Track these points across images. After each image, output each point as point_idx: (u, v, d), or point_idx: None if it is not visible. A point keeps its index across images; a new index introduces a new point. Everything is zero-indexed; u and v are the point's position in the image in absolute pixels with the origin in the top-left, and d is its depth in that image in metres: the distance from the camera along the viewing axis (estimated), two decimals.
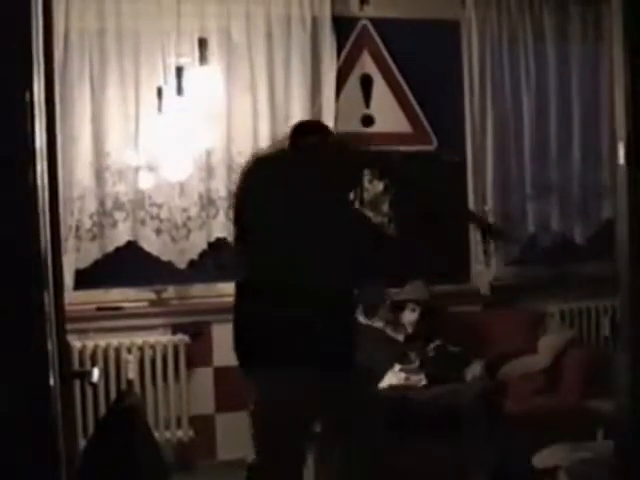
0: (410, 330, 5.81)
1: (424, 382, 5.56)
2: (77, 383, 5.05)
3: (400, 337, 5.82)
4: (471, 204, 6.58)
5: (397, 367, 5.60)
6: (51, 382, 1.86)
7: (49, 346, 1.88)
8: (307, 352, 3.67)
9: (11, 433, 1.89)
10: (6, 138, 1.79)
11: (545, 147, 6.74)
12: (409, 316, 5.83)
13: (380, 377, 5.46)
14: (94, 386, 5.36)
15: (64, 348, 2.07)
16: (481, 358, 5.85)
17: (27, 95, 1.79)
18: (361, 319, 5.83)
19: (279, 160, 3.93)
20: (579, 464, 4.10)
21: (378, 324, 5.88)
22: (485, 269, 6.59)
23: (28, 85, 1.82)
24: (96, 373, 2.85)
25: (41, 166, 1.86)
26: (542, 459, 4.43)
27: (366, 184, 6.32)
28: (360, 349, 5.57)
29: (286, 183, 3.72)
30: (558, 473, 4.15)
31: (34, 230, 1.85)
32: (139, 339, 5.85)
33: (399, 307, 5.90)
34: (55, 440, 1.92)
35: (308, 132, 3.99)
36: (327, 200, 3.71)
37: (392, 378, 5.56)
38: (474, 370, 5.75)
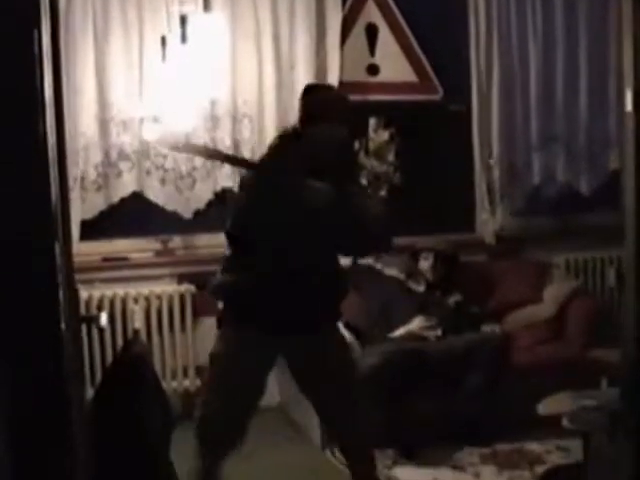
0: (428, 278, 5.85)
1: (439, 334, 5.61)
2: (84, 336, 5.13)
3: (421, 288, 5.86)
4: (476, 154, 6.57)
5: (416, 320, 5.63)
6: (62, 326, 1.89)
7: (60, 292, 1.89)
8: (272, 312, 3.71)
9: (25, 377, 1.92)
10: (16, 89, 1.79)
11: (551, 97, 6.71)
12: (424, 264, 5.87)
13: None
14: (102, 330, 5.40)
15: (73, 294, 2.10)
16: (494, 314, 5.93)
17: (36, 46, 1.79)
18: (382, 268, 5.91)
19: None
20: (582, 411, 4.13)
21: (400, 276, 5.91)
22: (490, 219, 6.59)
23: (37, 35, 1.81)
24: (104, 317, 2.88)
25: (50, 117, 1.86)
26: (546, 406, 4.47)
27: (371, 133, 6.30)
28: (380, 301, 5.66)
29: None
30: (561, 420, 4.18)
31: (45, 181, 1.86)
32: (145, 289, 5.88)
33: (416, 257, 5.93)
34: (66, 383, 1.95)
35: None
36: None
37: (407, 329, 5.60)
38: (492, 329, 5.81)
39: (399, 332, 5.60)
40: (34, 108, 1.80)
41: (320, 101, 3.92)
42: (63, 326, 1.91)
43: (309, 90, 4.01)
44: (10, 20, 1.80)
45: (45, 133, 1.83)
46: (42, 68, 1.81)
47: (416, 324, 5.62)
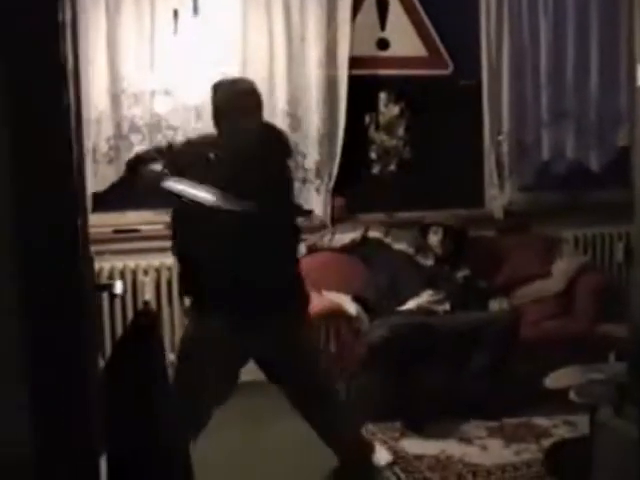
0: (437, 252, 5.87)
1: (448, 308, 5.64)
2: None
3: (429, 262, 5.88)
4: (486, 129, 6.57)
5: (424, 295, 5.66)
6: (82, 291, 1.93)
7: (79, 261, 1.93)
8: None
9: (46, 343, 1.95)
10: (41, 59, 1.81)
11: (562, 73, 6.69)
12: (433, 238, 5.89)
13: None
14: (116, 297, 5.43)
15: (88, 262, 2.13)
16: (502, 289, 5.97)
17: (60, 15, 1.81)
18: (391, 243, 5.94)
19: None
20: (589, 384, 4.16)
21: (409, 250, 5.94)
22: (499, 194, 6.60)
23: (61, 3, 1.83)
24: (119, 285, 2.90)
25: (72, 87, 1.89)
26: (554, 380, 4.50)
27: (381, 108, 6.32)
28: (388, 274, 5.69)
29: None
30: (568, 394, 4.21)
31: (68, 151, 1.89)
32: (156, 261, 5.91)
33: (425, 231, 5.95)
34: (84, 350, 1.99)
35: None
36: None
37: (416, 302, 5.63)
38: (501, 303, 5.84)
39: (407, 305, 5.63)
40: (59, 78, 1.82)
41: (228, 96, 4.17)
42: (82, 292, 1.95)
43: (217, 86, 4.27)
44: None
45: (69, 104, 1.85)
46: (65, 38, 1.84)
47: (424, 298, 5.65)
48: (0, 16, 1.77)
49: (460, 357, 5.38)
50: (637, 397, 2.53)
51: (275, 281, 3.89)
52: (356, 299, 5.55)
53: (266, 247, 3.83)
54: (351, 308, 5.47)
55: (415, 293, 5.67)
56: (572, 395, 4.17)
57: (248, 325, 3.81)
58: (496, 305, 5.84)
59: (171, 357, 5.84)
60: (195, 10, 5.73)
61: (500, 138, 6.57)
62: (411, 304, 5.63)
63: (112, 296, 5.32)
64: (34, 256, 1.90)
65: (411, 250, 5.95)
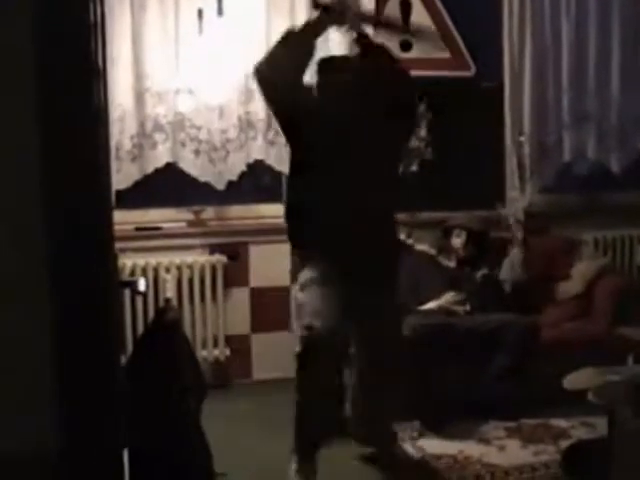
0: (460, 254, 5.89)
1: (468, 309, 5.66)
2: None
3: (451, 263, 5.91)
4: (507, 131, 6.59)
5: (446, 295, 5.68)
6: (105, 289, 1.96)
7: (108, 257, 1.97)
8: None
9: (70, 338, 1.99)
10: (74, 58, 1.85)
11: (583, 75, 6.70)
12: (456, 240, 5.91)
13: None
14: (140, 294, 5.48)
15: (113, 258, 2.17)
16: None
17: (91, 15, 1.85)
18: (413, 243, 5.95)
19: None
20: (608, 386, 4.16)
21: (431, 251, 5.96)
22: (520, 196, 6.60)
23: (93, 4, 1.87)
24: (142, 282, 2.93)
25: (102, 86, 1.92)
26: (572, 381, 4.50)
27: None
28: (410, 275, 5.73)
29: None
30: (587, 395, 4.22)
31: (96, 149, 1.93)
32: (177, 259, 5.96)
33: (448, 233, 5.97)
34: (109, 343, 2.02)
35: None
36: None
37: (438, 303, 5.66)
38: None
39: (429, 305, 5.65)
40: (90, 78, 1.86)
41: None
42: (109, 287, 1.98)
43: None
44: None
45: (99, 104, 1.89)
46: (97, 38, 1.87)
47: (446, 299, 5.68)
48: (34, 17, 1.81)
49: (480, 358, 5.39)
50: None
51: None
52: None
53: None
54: None
55: (437, 294, 5.69)
56: (590, 396, 4.18)
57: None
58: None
59: (203, 353, 5.98)
60: (219, 10, 5.78)
61: (521, 139, 6.58)
62: (432, 304, 5.66)
63: (135, 293, 5.38)
64: (63, 253, 1.94)
65: (433, 251, 5.97)
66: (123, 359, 3.51)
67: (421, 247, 5.98)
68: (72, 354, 1.99)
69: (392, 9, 6.40)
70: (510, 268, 5.93)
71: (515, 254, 5.97)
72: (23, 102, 1.85)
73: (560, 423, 5.23)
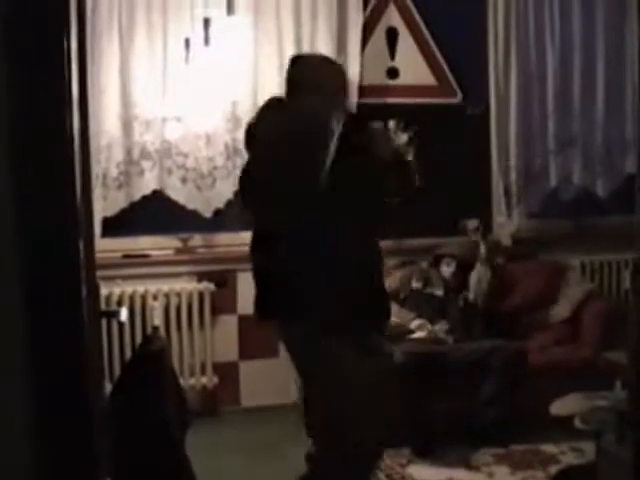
0: (449, 283, 5.90)
1: (456, 336, 5.66)
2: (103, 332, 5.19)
3: (440, 292, 5.91)
4: (494, 156, 6.62)
5: (436, 323, 5.69)
6: (84, 319, 1.95)
7: (83, 287, 1.95)
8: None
9: (45, 370, 1.98)
10: (45, 86, 1.85)
11: (569, 100, 6.74)
12: (445, 269, 5.92)
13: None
14: (122, 324, 5.47)
15: (94, 289, 2.16)
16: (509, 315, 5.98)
17: (65, 43, 1.85)
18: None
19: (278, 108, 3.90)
20: (594, 411, 4.16)
21: (416, 285, 5.96)
22: (507, 221, 6.63)
23: (66, 33, 1.88)
24: (124, 312, 2.93)
25: (77, 115, 1.92)
26: (559, 407, 4.51)
27: (390, 135, 6.34)
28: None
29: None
30: (574, 420, 4.22)
31: (70, 179, 1.92)
32: (165, 286, 5.95)
33: (437, 261, 5.99)
34: (86, 376, 2.01)
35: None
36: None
37: (425, 331, 5.66)
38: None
39: (418, 334, 5.65)
40: (62, 106, 1.85)
41: (304, 70, 3.94)
42: (84, 320, 1.97)
43: (295, 60, 4.01)
44: (40, 21, 1.86)
45: (72, 131, 1.89)
46: (70, 68, 1.87)
47: (436, 327, 5.68)
48: (5, 45, 1.81)
49: (469, 385, 5.39)
50: (635, 424, 2.55)
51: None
52: None
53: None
54: None
55: (427, 321, 5.71)
56: (577, 422, 4.18)
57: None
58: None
59: (191, 381, 5.96)
60: (206, 40, 5.81)
61: (509, 163, 6.61)
62: (421, 332, 5.66)
63: (118, 323, 5.38)
64: (37, 282, 1.93)
65: (418, 284, 5.96)
66: (108, 387, 3.51)
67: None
68: (48, 387, 1.98)
69: (379, 37, 6.44)
70: (477, 283, 5.92)
71: (479, 269, 5.95)
72: None
73: (549, 449, 5.22)
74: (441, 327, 5.70)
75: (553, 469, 4.85)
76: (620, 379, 4.63)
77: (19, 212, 1.88)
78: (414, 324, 5.72)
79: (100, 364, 2.35)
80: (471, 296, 5.88)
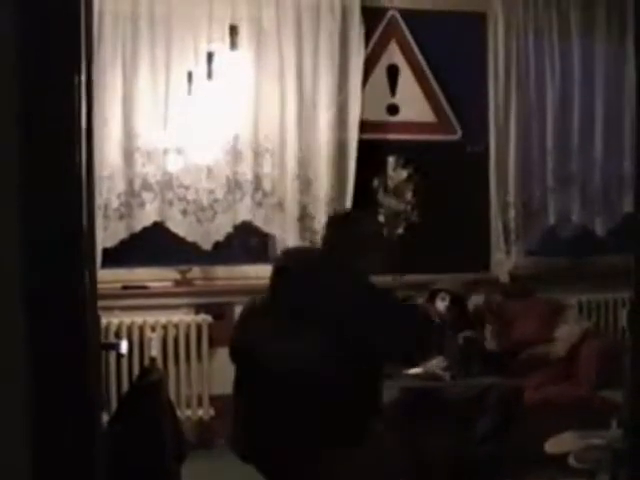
0: (444, 318, 5.91)
1: (453, 373, 5.66)
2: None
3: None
4: (492, 194, 6.65)
5: (433, 360, 5.69)
6: (87, 353, 1.97)
7: (86, 319, 1.98)
8: None
9: (49, 399, 1.99)
10: (58, 119, 1.88)
11: (568, 139, 6.79)
12: (440, 304, 5.93)
13: None
14: (122, 357, 5.48)
15: (96, 320, 2.18)
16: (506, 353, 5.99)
17: (76, 78, 1.88)
18: None
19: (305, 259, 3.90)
20: (589, 450, 4.17)
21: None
22: (505, 258, 6.66)
23: (77, 68, 1.91)
24: (124, 345, 2.95)
25: (84, 146, 1.95)
26: (553, 445, 4.51)
27: (390, 172, 6.40)
28: None
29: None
30: (568, 458, 4.23)
31: (78, 209, 1.95)
32: (163, 318, 5.96)
33: (432, 296, 6.00)
34: (90, 406, 2.02)
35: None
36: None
37: (425, 367, 5.66)
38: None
39: (415, 370, 5.65)
40: (71, 141, 1.89)
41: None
42: (87, 354, 1.99)
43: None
44: (53, 59, 1.89)
45: (81, 163, 1.91)
46: (80, 104, 1.90)
47: (433, 363, 5.68)
48: (19, 77, 1.85)
49: (464, 421, 5.39)
50: (632, 463, 2.56)
51: None
52: None
53: None
54: None
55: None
56: (572, 460, 4.19)
57: None
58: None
59: (187, 413, 5.95)
60: (209, 74, 5.86)
61: (508, 199, 6.65)
62: (418, 369, 5.66)
63: (118, 355, 5.39)
64: (41, 314, 1.95)
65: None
66: (106, 418, 3.51)
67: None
68: (50, 418, 1.99)
69: (380, 74, 6.49)
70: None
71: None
72: (6, 159, 1.88)
73: None
74: (438, 363, 5.70)
75: None
76: (616, 418, 4.64)
77: (26, 241, 1.90)
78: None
79: (100, 395, 2.35)
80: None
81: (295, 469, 3.58)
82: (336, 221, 4.10)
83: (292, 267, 3.76)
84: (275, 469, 3.69)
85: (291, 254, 4.08)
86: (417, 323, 3.89)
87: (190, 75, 5.86)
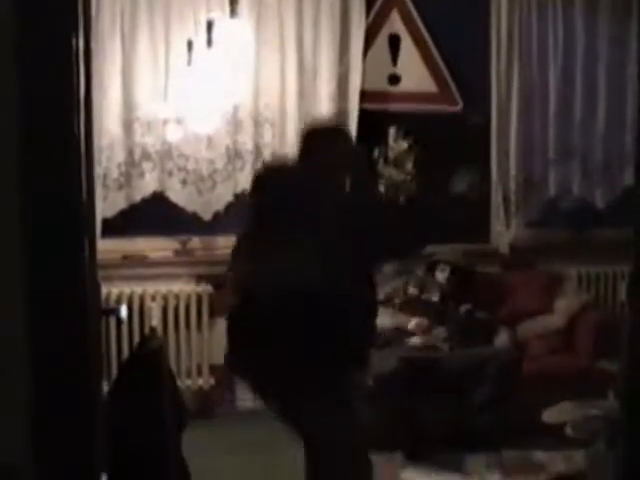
0: (444, 289, 5.93)
1: (452, 344, 5.69)
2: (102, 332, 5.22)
3: (435, 298, 5.94)
4: (493, 166, 6.64)
5: (433, 331, 5.72)
6: (87, 317, 1.98)
7: (86, 285, 1.98)
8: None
9: (46, 366, 2.00)
10: (53, 86, 1.88)
11: (569, 112, 6.78)
12: (440, 275, 5.95)
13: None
14: (122, 322, 5.50)
15: (95, 287, 2.19)
16: (505, 324, 6.01)
17: (74, 42, 1.88)
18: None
19: (286, 174, 3.93)
20: (586, 420, 4.19)
21: (413, 291, 5.99)
22: (505, 230, 6.67)
23: (75, 33, 1.90)
24: (124, 309, 2.96)
25: (83, 115, 1.95)
26: (551, 415, 4.54)
27: (390, 142, 6.39)
28: None
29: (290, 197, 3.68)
30: (565, 428, 4.25)
31: (77, 178, 1.95)
32: (163, 288, 5.97)
33: (432, 268, 6.01)
34: (88, 372, 2.03)
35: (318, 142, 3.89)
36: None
37: (421, 338, 5.69)
38: (502, 338, 5.88)
39: (414, 340, 5.68)
40: (70, 109, 1.88)
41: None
42: (87, 317, 2.00)
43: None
44: (50, 21, 1.89)
45: (79, 131, 1.91)
46: (78, 71, 1.90)
47: (433, 334, 5.71)
48: (15, 45, 1.84)
49: (463, 391, 5.42)
50: (627, 433, 2.57)
51: None
52: None
53: None
54: None
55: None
56: (568, 430, 4.21)
57: None
58: (500, 340, 5.88)
59: (187, 382, 5.99)
60: (209, 42, 5.83)
61: (509, 172, 6.64)
62: (417, 339, 5.68)
63: (118, 320, 5.40)
64: (41, 282, 1.96)
65: (415, 291, 5.99)
66: (106, 386, 3.53)
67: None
68: (49, 380, 2.00)
69: (381, 43, 6.47)
70: None
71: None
72: (4, 127, 1.88)
73: (541, 456, 5.23)
74: (438, 333, 5.73)
75: (544, 476, 4.87)
76: (613, 388, 4.66)
77: (25, 211, 1.90)
78: (412, 324, 5.75)
79: (100, 363, 2.37)
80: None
81: (289, 389, 3.61)
82: (316, 136, 4.01)
83: (275, 180, 3.84)
84: (271, 390, 3.74)
85: (271, 168, 4.07)
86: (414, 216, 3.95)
87: (190, 44, 5.83)
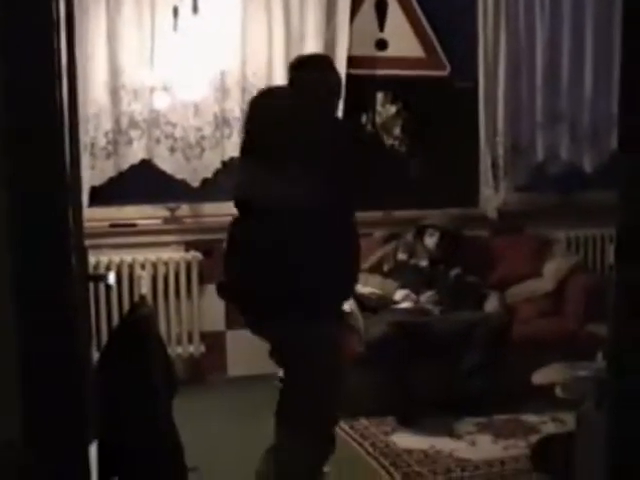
0: (433, 253, 5.94)
1: (442, 307, 5.71)
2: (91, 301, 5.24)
3: (425, 263, 5.95)
4: (481, 130, 6.64)
5: (422, 294, 5.74)
6: (72, 281, 1.98)
7: (71, 252, 1.98)
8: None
9: (33, 330, 2.01)
10: (34, 54, 1.87)
11: (557, 76, 6.78)
12: (428, 240, 5.96)
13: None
14: (110, 288, 5.51)
15: (82, 253, 2.19)
16: (494, 288, 6.03)
17: (54, 9, 1.86)
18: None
19: (277, 95, 4.02)
20: (575, 381, 4.21)
21: (402, 256, 6.00)
22: (494, 194, 6.67)
23: (55, 3, 1.89)
24: (112, 276, 2.96)
25: (65, 83, 1.94)
26: (540, 376, 4.56)
27: (378, 107, 6.38)
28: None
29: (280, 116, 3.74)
30: (554, 389, 4.27)
31: (60, 147, 1.95)
32: (152, 255, 5.97)
33: (421, 232, 6.02)
34: (75, 336, 2.04)
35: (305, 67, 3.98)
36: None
37: (411, 302, 5.71)
38: (492, 302, 5.90)
39: (403, 304, 5.70)
40: (51, 75, 1.87)
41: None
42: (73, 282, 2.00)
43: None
44: None
45: (61, 99, 1.90)
46: (59, 36, 1.89)
47: (422, 297, 5.73)
48: None
49: (453, 355, 5.44)
50: (613, 393, 2.60)
51: None
52: (354, 296, 5.59)
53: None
54: (345, 305, 5.51)
55: (413, 292, 5.77)
56: (558, 391, 4.24)
57: None
58: (490, 305, 5.91)
59: (178, 350, 6.01)
60: (195, 8, 5.78)
61: (497, 139, 6.63)
62: (407, 303, 5.71)
63: (106, 287, 5.41)
64: (26, 247, 1.96)
65: (404, 256, 6.00)
66: (95, 353, 3.53)
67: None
68: (36, 347, 2.01)
69: (368, 8, 6.44)
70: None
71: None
72: None
73: (531, 418, 5.30)
74: (427, 298, 5.75)
75: (534, 438, 4.90)
76: (602, 350, 4.68)
77: (9, 179, 1.90)
78: (398, 294, 5.79)
79: (88, 328, 2.37)
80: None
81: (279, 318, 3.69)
82: (303, 65, 4.06)
83: (269, 104, 3.87)
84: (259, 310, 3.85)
85: (265, 94, 4.10)
86: None
87: (175, 10, 5.78)
